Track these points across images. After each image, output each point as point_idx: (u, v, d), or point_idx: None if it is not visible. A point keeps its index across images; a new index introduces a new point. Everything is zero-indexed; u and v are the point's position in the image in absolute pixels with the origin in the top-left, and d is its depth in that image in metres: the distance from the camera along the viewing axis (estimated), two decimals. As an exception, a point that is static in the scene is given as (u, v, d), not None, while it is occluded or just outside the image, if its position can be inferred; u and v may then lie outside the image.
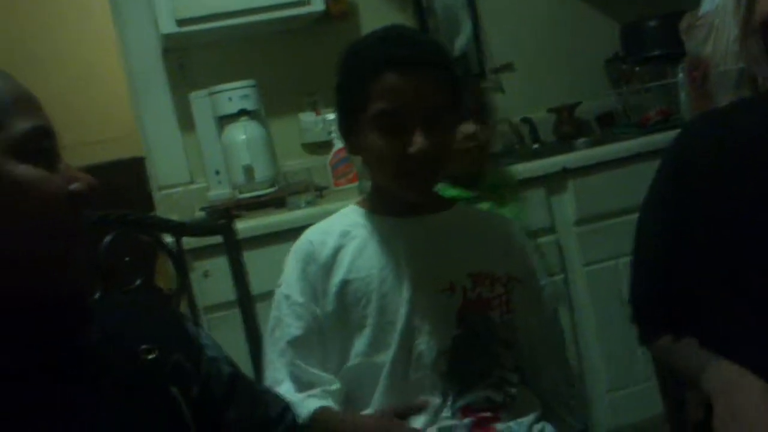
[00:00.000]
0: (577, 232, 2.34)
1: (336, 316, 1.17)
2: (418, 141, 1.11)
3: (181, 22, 2.34)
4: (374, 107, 1.12)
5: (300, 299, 1.18)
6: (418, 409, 1.13)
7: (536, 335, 1.24)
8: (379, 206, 1.24)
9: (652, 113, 2.63)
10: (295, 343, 1.17)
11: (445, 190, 1.64)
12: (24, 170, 0.67)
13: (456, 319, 1.17)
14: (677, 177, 1.15)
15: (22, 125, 0.68)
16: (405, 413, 1.12)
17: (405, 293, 1.16)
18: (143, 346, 0.77)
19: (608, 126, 2.89)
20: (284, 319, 1.18)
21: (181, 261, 1.36)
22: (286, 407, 0.90)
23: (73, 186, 0.72)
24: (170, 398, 0.77)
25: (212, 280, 2.02)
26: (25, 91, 0.72)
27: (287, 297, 1.19)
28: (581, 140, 2.58)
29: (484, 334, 1.18)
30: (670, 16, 2.48)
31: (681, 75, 2.55)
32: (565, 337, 1.33)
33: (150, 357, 0.77)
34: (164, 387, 0.77)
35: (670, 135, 2.35)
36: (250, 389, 0.88)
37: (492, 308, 1.19)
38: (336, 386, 1.16)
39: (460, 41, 2.92)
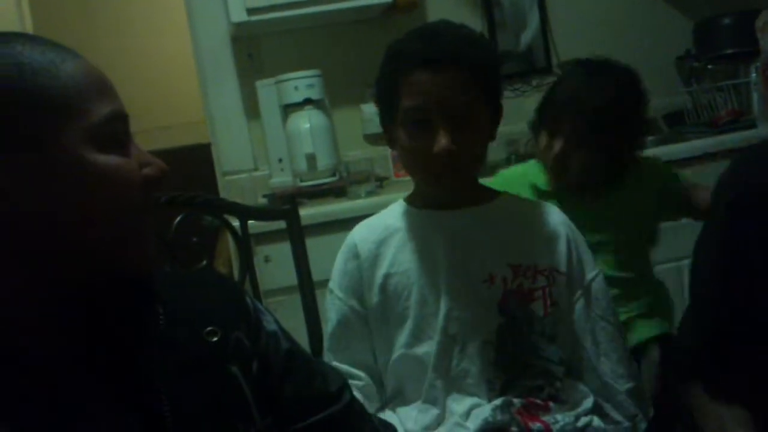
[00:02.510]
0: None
1: (380, 310, 1.20)
2: (442, 141, 1.11)
3: (251, 11, 2.38)
4: (403, 104, 1.14)
5: (340, 294, 1.23)
6: None
7: (583, 328, 1.23)
8: (420, 200, 1.25)
9: (723, 113, 2.56)
10: (333, 333, 1.23)
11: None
12: (104, 160, 0.69)
13: (498, 309, 1.17)
14: (735, 211, 1.10)
15: (100, 110, 0.70)
16: None
17: (444, 285, 1.17)
18: (207, 329, 0.79)
19: (676, 125, 2.82)
20: (328, 313, 1.24)
21: (246, 244, 1.39)
22: (345, 384, 0.91)
23: (146, 170, 0.73)
24: (231, 377, 0.79)
25: (272, 265, 2.06)
26: (100, 75, 0.73)
27: (331, 291, 1.25)
28: (649, 138, 2.52)
29: (525, 325, 1.18)
30: (745, 14, 2.40)
31: (754, 75, 2.48)
32: (620, 331, 1.28)
33: (213, 339, 0.79)
34: (225, 366, 0.79)
35: (741, 135, 2.34)
36: (308, 364, 0.89)
37: (534, 299, 1.18)
38: (364, 382, 1.19)
39: (526, 35, 2.89)
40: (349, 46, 2.73)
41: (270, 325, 0.87)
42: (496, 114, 1.21)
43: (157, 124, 4.16)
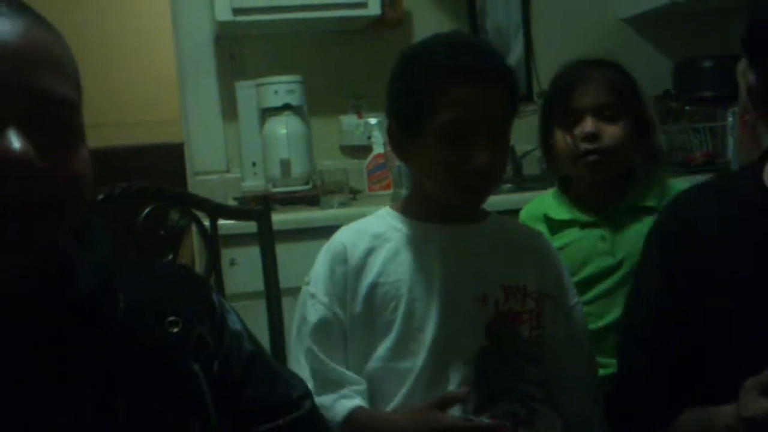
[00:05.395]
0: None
1: (363, 319, 1.16)
2: (483, 156, 1.09)
3: (237, 11, 2.36)
4: (442, 117, 1.10)
5: (324, 299, 1.17)
6: (454, 400, 1.11)
7: (564, 352, 1.22)
8: (417, 211, 1.22)
9: (698, 154, 2.59)
10: (317, 338, 1.17)
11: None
12: None
13: (485, 330, 1.15)
14: (669, 246, 1.12)
15: None
16: (442, 405, 1.11)
17: (436, 301, 1.14)
18: (169, 318, 0.76)
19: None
20: (308, 317, 1.18)
21: (215, 243, 1.35)
22: (307, 393, 0.88)
23: None
24: (191, 374, 0.76)
25: (238, 268, 2.02)
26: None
27: (312, 296, 1.19)
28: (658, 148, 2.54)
29: (511, 348, 1.16)
30: (726, 58, 2.44)
31: (731, 119, 2.51)
32: (594, 356, 1.28)
33: (174, 330, 0.75)
34: (185, 362, 0.76)
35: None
36: (271, 369, 0.86)
37: (522, 322, 1.17)
38: (363, 386, 1.15)
39: (509, 62, 2.91)
40: (332, 55, 2.72)
41: (235, 325, 0.84)
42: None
43: (132, 119, 4.10)
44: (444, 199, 1.18)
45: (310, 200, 2.31)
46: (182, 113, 2.69)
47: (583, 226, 1.48)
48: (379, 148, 2.58)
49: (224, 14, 2.36)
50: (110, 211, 1.17)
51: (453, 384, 1.13)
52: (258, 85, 2.46)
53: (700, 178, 2.35)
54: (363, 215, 1.28)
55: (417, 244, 1.18)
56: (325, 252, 1.21)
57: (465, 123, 1.10)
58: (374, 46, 2.73)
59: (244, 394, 0.81)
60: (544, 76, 2.89)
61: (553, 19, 2.92)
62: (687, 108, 2.74)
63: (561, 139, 1.46)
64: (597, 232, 1.47)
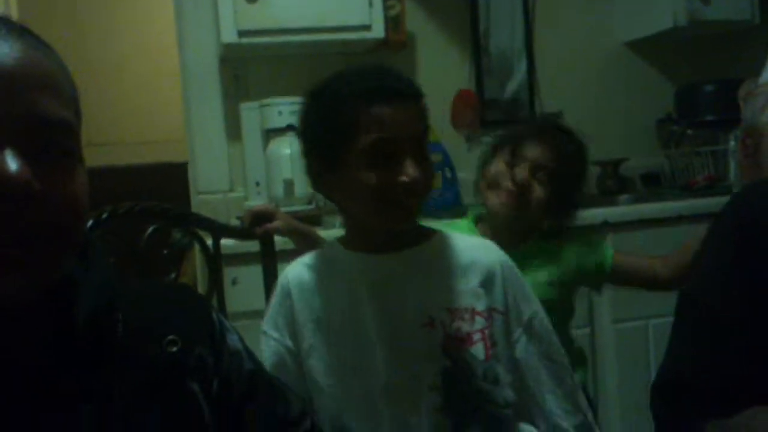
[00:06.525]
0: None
1: (311, 352, 1.16)
2: (410, 170, 1.09)
3: (242, 33, 2.38)
4: (364, 139, 1.09)
5: (275, 334, 1.18)
6: None
7: (527, 368, 1.19)
8: (357, 243, 1.21)
9: (699, 178, 2.60)
10: (276, 375, 1.16)
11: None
12: None
13: (441, 351, 1.13)
14: (746, 242, 1.09)
15: None
16: None
17: (383, 331, 1.14)
18: (168, 338, 0.76)
19: (652, 185, 2.86)
20: (264, 356, 1.18)
21: (217, 262, 1.36)
22: (306, 410, 0.88)
23: None
24: (190, 393, 0.76)
25: (240, 287, 2.02)
26: None
27: (264, 333, 1.20)
28: (624, 196, 2.55)
29: (466, 369, 1.14)
30: (728, 82, 2.45)
31: (732, 143, 2.52)
32: (566, 365, 1.24)
33: (173, 350, 0.76)
34: (185, 381, 0.76)
35: (715, 201, 2.36)
36: (270, 388, 0.86)
37: (473, 343, 1.15)
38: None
39: (512, 84, 2.93)
40: (337, 77, 2.74)
41: (235, 344, 0.84)
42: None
43: (137, 138, 4.12)
44: (376, 225, 1.16)
45: (313, 220, 2.32)
46: (187, 133, 2.71)
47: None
48: (381, 169, 2.59)
49: (229, 36, 2.38)
50: (114, 230, 1.18)
51: (418, 415, 1.11)
52: (262, 106, 2.47)
53: (701, 202, 2.37)
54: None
55: (359, 275, 1.17)
56: (275, 288, 1.22)
57: (388, 142, 1.09)
58: (378, 68, 2.75)
59: (243, 413, 0.81)
60: (547, 98, 2.91)
61: (557, 42, 2.94)
62: (689, 132, 2.75)
63: (495, 165, 1.54)
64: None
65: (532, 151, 1.52)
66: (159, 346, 0.76)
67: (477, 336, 1.15)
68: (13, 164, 0.61)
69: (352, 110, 1.10)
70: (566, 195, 1.54)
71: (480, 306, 1.17)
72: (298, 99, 2.40)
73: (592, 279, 1.63)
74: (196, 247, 1.41)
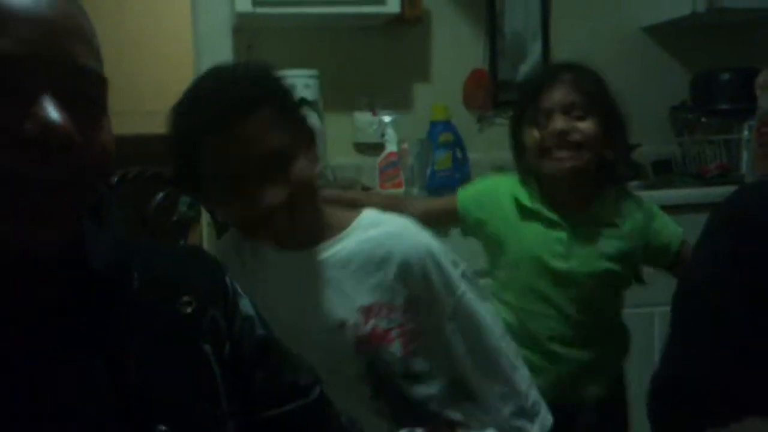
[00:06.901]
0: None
1: None
2: (267, 197, 1.03)
3: (256, 3, 2.36)
4: (210, 173, 1.06)
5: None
6: None
7: (457, 356, 1.15)
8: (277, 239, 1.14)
9: (712, 166, 2.58)
10: None
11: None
12: None
13: (356, 354, 1.11)
14: (743, 235, 1.04)
15: None
16: None
17: (294, 331, 1.04)
18: (183, 298, 0.76)
19: (664, 173, 2.84)
20: None
21: (225, 228, 1.35)
22: (316, 380, 0.88)
23: (24, 126, 0.61)
24: (202, 354, 0.76)
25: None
26: (17, 3, 0.61)
27: None
28: (635, 182, 2.53)
29: (386, 366, 1.11)
30: (744, 71, 2.44)
31: (746, 132, 2.50)
32: (498, 347, 1.18)
33: (187, 311, 0.75)
34: (197, 343, 0.76)
35: (727, 189, 2.32)
36: (281, 355, 0.86)
37: (390, 340, 1.11)
38: None
39: (525, 67, 2.90)
40: (349, 51, 2.72)
41: (247, 309, 0.84)
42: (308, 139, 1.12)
43: (146, 107, 4.10)
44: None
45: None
46: (198, 103, 2.69)
47: (547, 223, 1.49)
48: (392, 146, 2.58)
49: (244, 5, 2.36)
50: (123, 195, 1.17)
51: (355, 401, 1.09)
52: (274, 78, 2.46)
53: (713, 190, 2.35)
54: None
55: (273, 272, 1.13)
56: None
57: (228, 178, 1.04)
58: (392, 43, 2.73)
59: (254, 379, 0.81)
60: (561, 81, 2.89)
61: (573, 24, 2.90)
62: (703, 120, 2.73)
63: (530, 136, 1.48)
64: (557, 234, 1.48)
65: (553, 97, 1.47)
66: (173, 307, 0.75)
67: (394, 333, 1.12)
68: (54, 113, 0.61)
69: (191, 147, 1.06)
70: (612, 118, 1.50)
71: (397, 300, 1.12)
72: (310, 72, 2.41)
73: (657, 258, 1.58)
74: (203, 218, 1.40)
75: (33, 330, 0.66)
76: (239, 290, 0.84)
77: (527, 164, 1.53)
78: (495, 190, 1.55)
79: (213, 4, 2.59)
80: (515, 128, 1.55)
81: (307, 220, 1.10)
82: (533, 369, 1.27)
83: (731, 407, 1.00)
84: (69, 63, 0.64)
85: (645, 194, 2.39)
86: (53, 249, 0.66)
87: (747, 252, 1.03)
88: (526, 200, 1.51)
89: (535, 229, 1.49)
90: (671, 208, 2.32)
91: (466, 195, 1.57)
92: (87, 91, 0.66)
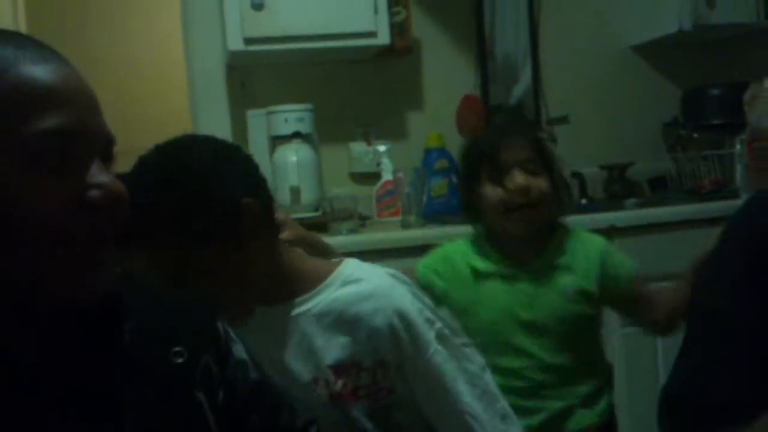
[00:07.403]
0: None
1: None
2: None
3: (248, 41, 2.39)
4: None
5: None
6: None
7: (429, 412, 1.16)
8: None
9: (706, 181, 2.60)
10: None
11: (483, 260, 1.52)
12: (23, 180, 0.64)
13: (331, 409, 1.12)
14: (755, 248, 1.03)
15: (36, 125, 0.65)
16: None
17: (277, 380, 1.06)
18: (175, 348, 0.77)
19: (659, 190, 2.86)
20: None
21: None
22: (311, 420, 0.88)
23: (91, 194, 0.67)
24: (196, 403, 0.76)
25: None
26: (66, 85, 0.68)
27: None
28: (631, 200, 2.55)
29: (362, 422, 1.13)
30: (734, 86, 2.45)
31: (739, 147, 2.52)
32: (472, 407, 1.15)
33: (179, 361, 0.76)
34: (191, 392, 0.77)
35: (722, 204, 2.37)
36: (275, 397, 0.87)
37: (358, 399, 1.12)
38: None
39: (518, 89, 2.93)
40: (342, 84, 2.75)
41: (240, 354, 0.85)
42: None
43: (141, 144, 4.12)
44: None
45: (320, 227, 2.32)
46: (194, 140, 2.72)
47: (507, 279, 1.48)
48: (387, 174, 2.60)
49: (236, 44, 2.39)
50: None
51: None
52: (268, 113, 2.48)
53: (708, 206, 2.36)
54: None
55: (255, 323, 1.13)
56: None
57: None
58: (383, 74, 2.77)
59: (249, 423, 0.82)
60: (553, 102, 2.91)
61: (562, 46, 2.94)
62: (695, 135, 2.75)
63: (491, 192, 1.47)
64: (519, 286, 1.48)
65: (510, 154, 1.47)
66: (166, 357, 0.76)
67: (362, 392, 1.13)
68: (107, 178, 0.69)
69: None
70: (555, 171, 1.50)
71: (366, 362, 1.12)
72: (304, 106, 2.44)
73: (615, 293, 1.52)
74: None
75: (26, 384, 0.68)
76: (232, 335, 0.85)
77: (483, 224, 1.54)
78: (450, 258, 1.54)
79: (206, 43, 2.63)
80: (466, 190, 1.54)
81: (268, 281, 1.12)
82: (521, 414, 1.26)
83: (742, 419, 0.99)
84: (105, 133, 0.72)
85: (641, 212, 2.42)
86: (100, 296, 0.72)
87: (765, 270, 1.02)
88: (480, 265, 1.51)
89: (497, 287, 1.49)
90: (667, 225, 2.34)
91: (425, 268, 1.55)
92: (111, 154, 0.74)
